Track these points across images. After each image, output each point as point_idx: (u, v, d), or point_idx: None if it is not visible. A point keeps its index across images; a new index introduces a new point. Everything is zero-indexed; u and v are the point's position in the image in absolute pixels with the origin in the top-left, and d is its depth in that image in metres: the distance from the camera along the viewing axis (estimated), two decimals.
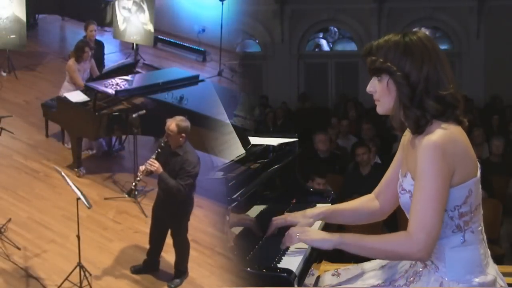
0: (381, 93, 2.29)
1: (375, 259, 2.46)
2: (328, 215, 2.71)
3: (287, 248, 2.78)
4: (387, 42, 2.27)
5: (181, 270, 5.25)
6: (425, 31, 12.64)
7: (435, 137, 2.18)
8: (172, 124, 4.91)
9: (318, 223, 3.00)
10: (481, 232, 2.36)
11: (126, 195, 5.26)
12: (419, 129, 2.24)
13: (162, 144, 5.10)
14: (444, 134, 2.19)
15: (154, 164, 4.95)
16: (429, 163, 2.17)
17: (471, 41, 12.19)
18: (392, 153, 7.57)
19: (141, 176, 5.14)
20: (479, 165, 2.34)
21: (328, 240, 2.44)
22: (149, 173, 5.08)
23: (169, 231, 5.17)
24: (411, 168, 2.29)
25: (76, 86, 7.12)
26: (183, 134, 4.94)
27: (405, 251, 2.24)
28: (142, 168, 5.06)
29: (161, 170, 4.94)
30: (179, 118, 4.96)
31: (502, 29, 11.77)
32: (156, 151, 5.11)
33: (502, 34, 11.75)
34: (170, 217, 5.09)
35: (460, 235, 2.30)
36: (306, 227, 2.61)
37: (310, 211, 2.74)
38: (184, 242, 5.19)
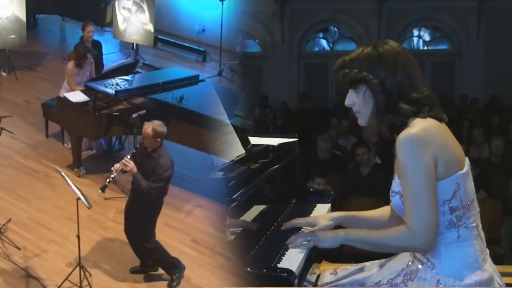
0: (360, 104, 2.34)
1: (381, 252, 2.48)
2: (349, 219, 2.70)
3: (288, 246, 2.77)
4: (360, 54, 2.33)
5: (168, 267, 5.21)
6: (425, 31, 12.71)
7: (412, 129, 2.23)
8: (149, 128, 4.94)
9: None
10: (476, 228, 2.36)
11: (100, 191, 5.23)
12: (396, 132, 2.28)
13: (137, 145, 5.13)
14: (421, 126, 2.23)
15: (128, 164, 4.97)
16: (409, 157, 2.21)
17: (471, 41, 12.19)
18: (393, 153, 7.57)
19: (115, 173, 5.14)
20: (467, 160, 2.36)
21: (335, 238, 2.48)
22: (123, 172, 5.08)
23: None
24: (396, 169, 2.32)
25: (71, 89, 7.11)
26: (158, 139, 4.96)
27: (409, 246, 2.30)
28: (117, 166, 5.06)
29: (135, 170, 4.95)
30: (156, 123, 4.98)
31: (502, 29, 11.76)
32: (132, 151, 5.15)
33: (502, 34, 11.74)
34: (138, 217, 5.08)
35: (455, 231, 2.31)
36: (316, 230, 2.63)
37: (331, 214, 2.76)
38: (147, 243, 5.09)
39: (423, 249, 2.29)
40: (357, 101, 2.35)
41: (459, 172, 2.28)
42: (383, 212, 2.66)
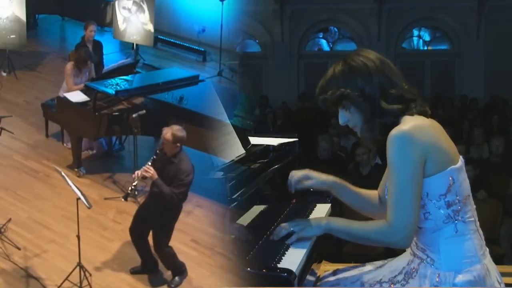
0: (352, 119, 2.39)
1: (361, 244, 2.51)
2: (338, 186, 2.73)
3: (287, 247, 2.77)
4: (333, 74, 2.37)
5: (176, 271, 5.24)
6: (425, 31, 12.71)
7: (403, 126, 2.26)
8: (168, 133, 4.93)
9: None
10: (474, 223, 2.39)
11: (123, 199, 5.26)
12: (386, 134, 2.29)
13: (157, 151, 5.13)
14: (411, 124, 2.26)
15: (149, 171, 4.96)
16: (397, 153, 2.24)
17: (471, 41, 12.18)
18: None
19: (137, 181, 5.15)
20: (462, 158, 2.38)
21: (318, 227, 2.54)
22: (144, 178, 5.08)
23: (152, 235, 5.14)
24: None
25: (68, 89, 7.12)
26: (178, 144, 4.96)
27: (387, 241, 2.34)
28: (138, 173, 5.07)
29: (156, 176, 4.94)
30: (175, 128, 4.98)
31: (502, 29, 11.76)
32: (152, 158, 5.14)
33: (502, 34, 11.74)
34: (155, 222, 5.06)
35: (452, 225, 2.33)
36: (298, 220, 2.67)
37: (326, 176, 2.77)
38: (165, 249, 5.11)
39: (400, 245, 2.33)
40: (349, 117, 2.39)
41: (452, 167, 2.30)
42: (373, 194, 2.69)
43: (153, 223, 5.07)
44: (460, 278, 2.31)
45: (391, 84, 2.32)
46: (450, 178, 2.29)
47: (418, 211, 2.28)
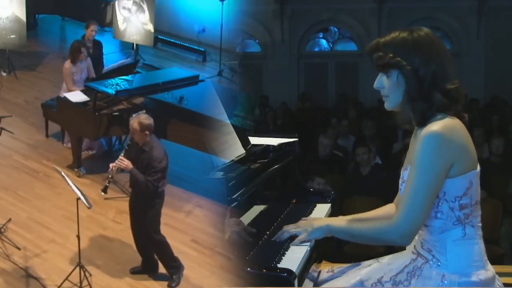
0: (390, 88, 2.32)
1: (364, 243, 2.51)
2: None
3: (287, 247, 2.78)
4: (395, 38, 2.30)
5: (171, 265, 5.22)
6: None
7: (435, 127, 2.22)
8: (135, 122, 4.96)
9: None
10: (480, 228, 2.38)
11: (102, 193, 5.29)
12: (425, 121, 2.28)
13: (129, 142, 5.17)
14: (444, 124, 2.23)
15: (123, 162, 5.03)
16: (426, 153, 2.22)
17: (471, 41, 12.18)
18: (393, 154, 7.56)
19: (112, 173, 5.17)
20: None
21: (319, 230, 2.55)
22: (120, 170, 5.12)
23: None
24: (411, 160, 2.32)
25: (68, 89, 7.11)
26: (147, 132, 4.98)
27: (388, 239, 2.34)
28: (112, 165, 5.11)
29: (130, 166, 5.00)
30: (142, 116, 5.02)
31: (502, 29, 11.75)
32: (125, 149, 5.20)
33: (502, 34, 11.73)
34: (143, 211, 5.10)
35: (461, 228, 2.32)
36: (300, 222, 2.67)
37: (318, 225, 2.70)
38: (155, 236, 5.11)
39: (399, 242, 2.33)
40: (387, 85, 2.33)
41: (473, 171, 2.29)
42: (383, 211, 2.65)
43: (141, 214, 5.10)
44: (465, 280, 2.30)
45: (445, 76, 2.27)
46: (469, 182, 2.28)
47: (426, 215, 2.27)
